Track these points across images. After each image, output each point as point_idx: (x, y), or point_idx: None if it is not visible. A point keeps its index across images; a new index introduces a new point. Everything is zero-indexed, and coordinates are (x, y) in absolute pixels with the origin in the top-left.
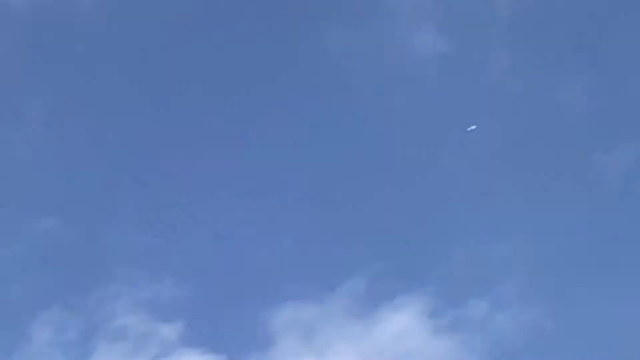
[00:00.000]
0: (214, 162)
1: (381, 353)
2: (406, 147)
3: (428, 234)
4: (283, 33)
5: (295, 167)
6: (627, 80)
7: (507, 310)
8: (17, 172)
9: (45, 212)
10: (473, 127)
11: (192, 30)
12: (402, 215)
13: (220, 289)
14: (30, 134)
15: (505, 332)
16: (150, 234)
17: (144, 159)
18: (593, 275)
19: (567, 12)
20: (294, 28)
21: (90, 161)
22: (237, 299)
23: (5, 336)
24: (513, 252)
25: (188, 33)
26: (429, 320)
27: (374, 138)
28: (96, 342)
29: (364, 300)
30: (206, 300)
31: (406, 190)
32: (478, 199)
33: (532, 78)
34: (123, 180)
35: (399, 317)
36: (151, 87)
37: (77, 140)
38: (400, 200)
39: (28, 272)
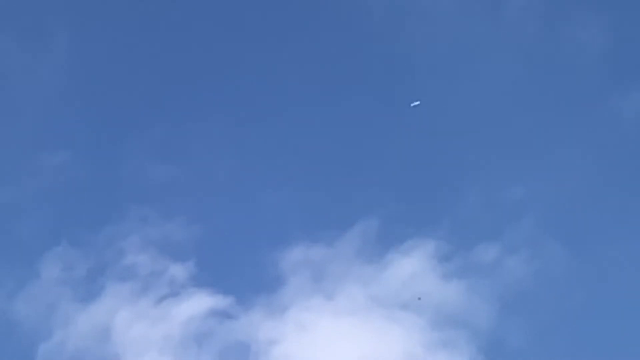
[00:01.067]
0: (233, 96)
1: (390, 296)
2: (421, 86)
3: (440, 177)
4: None
5: (309, 107)
6: None
7: (517, 254)
8: (33, 103)
9: (59, 145)
10: (417, 103)
11: None
12: (414, 158)
13: (231, 230)
14: (52, 60)
15: (516, 277)
16: (163, 171)
17: (162, 92)
18: (608, 218)
19: None
20: None
21: (108, 92)
22: (248, 239)
23: (14, 272)
24: (526, 195)
25: None
26: (439, 264)
27: (387, 75)
28: (105, 280)
29: (374, 243)
30: (217, 241)
31: (419, 132)
32: (492, 140)
33: (551, 16)
34: (139, 115)
35: (409, 260)
36: (173, 18)
37: (98, 71)
38: (413, 142)
39: (38, 208)
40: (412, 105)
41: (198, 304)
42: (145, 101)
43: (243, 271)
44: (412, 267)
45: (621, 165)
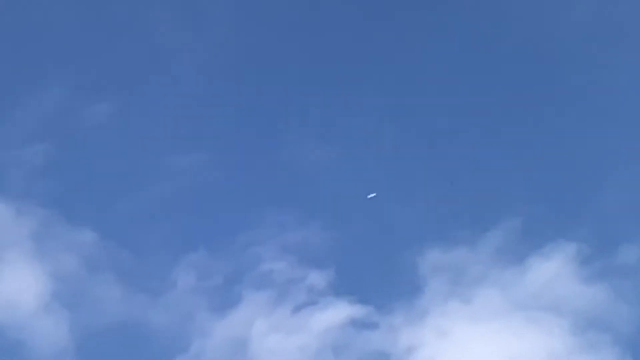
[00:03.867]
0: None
1: (530, 300)
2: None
3: (580, 174)
4: None
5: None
6: None
7: None
8: (175, 93)
9: (194, 147)
10: (373, 195)
11: None
12: (557, 156)
13: (369, 233)
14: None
15: None
16: (299, 177)
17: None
18: None
19: None
20: None
21: (252, 89)
22: (385, 243)
23: (149, 281)
24: None
25: None
26: (580, 267)
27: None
28: (241, 288)
29: (515, 245)
30: (354, 246)
31: (562, 130)
32: (635, 136)
33: None
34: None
35: (550, 264)
36: None
37: (254, 53)
38: (557, 140)
39: (173, 212)
40: (368, 197)
41: (336, 312)
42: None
43: (381, 277)
44: (553, 270)
45: None
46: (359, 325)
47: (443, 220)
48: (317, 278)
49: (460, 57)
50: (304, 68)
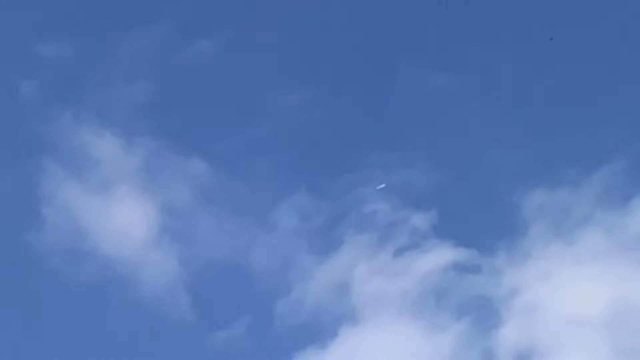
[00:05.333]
0: None
1: (634, 242)
2: None
3: None
4: None
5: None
6: None
7: None
8: (280, 33)
9: (300, 84)
10: (382, 186)
11: None
12: None
13: (473, 174)
14: None
15: None
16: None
17: None
18: None
19: None
20: None
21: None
22: (489, 184)
23: (250, 222)
24: None
25: None
26: None
27: None
28: (343, 230)
29: (619, 185)
30: (458, 187)
31: None
32: None
33: None
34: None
35: None
36: None
37: None
38: None
39: (275, 152)
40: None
41: (439, 256)
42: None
43: (484, 219)
44: None
45: None
46: (462, 268)
47: (548, 161)
48: (420, 220)
49: None
50: None
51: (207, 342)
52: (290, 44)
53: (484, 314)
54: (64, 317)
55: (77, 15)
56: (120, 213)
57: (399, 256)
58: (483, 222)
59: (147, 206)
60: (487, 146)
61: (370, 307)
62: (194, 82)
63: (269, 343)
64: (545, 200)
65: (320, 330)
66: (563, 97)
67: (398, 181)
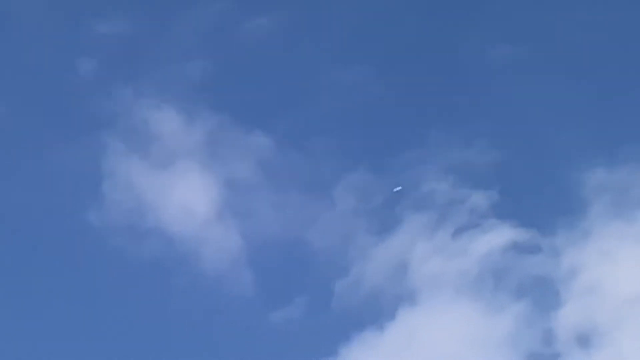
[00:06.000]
0: None
1: None
2: None
3: None
4: None
5: None
6: None
7: None
8: (337, 9)
9: (355, 61)
10: (399, 188)
11: None
12: None
13: (533, 152)
14: None
15: None
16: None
17: None
18: None
19: None
20: None
21: None
22: (550, 162)
23: (309, 200)
24: None
25: None
26: None
27: None
28: (401, 209)
29: None
30: (518, 166)
31: None
32: None
33: None
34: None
35: None
36: None
37: None
38: None
39: (334, 129)
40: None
41: (498, 236)
42: None
43: (545, 197)
44: None
45: None
46: (521, 249)
47: (609, 138)
48: (480, 199)
49: None
50: None
51: (267, 320)
52: (349, 20)
53: (543, 295)
54: (126, 295)
55: None
56: (181, 189)
57: (458, 236)
58: (543, 202)
59: (209, 182)
60: (549, 124)
61: (428, 288)
62: (252, 59)
63: (327, 324)
64: (606, 179)
65: (379, 312)
66: (632, 72)
67: (457, 159)
